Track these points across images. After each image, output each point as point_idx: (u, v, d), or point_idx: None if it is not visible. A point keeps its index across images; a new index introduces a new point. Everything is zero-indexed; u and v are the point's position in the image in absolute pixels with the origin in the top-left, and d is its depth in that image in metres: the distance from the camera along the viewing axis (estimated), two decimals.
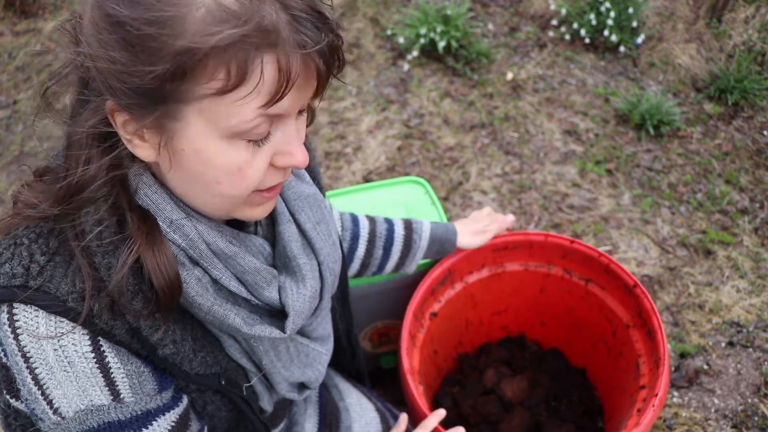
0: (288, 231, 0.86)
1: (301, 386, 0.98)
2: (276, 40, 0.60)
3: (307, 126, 0.79)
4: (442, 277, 1.38)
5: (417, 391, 1.18)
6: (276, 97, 0.63)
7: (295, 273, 0.85)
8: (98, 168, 0.68)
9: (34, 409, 0.72)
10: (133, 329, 0.72)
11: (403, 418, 1.13)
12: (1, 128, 2.91)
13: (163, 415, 0.78)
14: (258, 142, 0.68)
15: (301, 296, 0.84)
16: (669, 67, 2.94)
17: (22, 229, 0.71)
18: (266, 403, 0.95)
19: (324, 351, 0.98)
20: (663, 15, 3.14)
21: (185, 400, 0.82)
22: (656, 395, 1.12)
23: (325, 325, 0.99)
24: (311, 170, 1.01)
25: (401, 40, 3.04)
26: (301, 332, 0.93)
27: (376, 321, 1.54)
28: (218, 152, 0.66)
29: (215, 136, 0.65)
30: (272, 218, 0.88)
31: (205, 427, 0.86)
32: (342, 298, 1.14)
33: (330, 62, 0.65)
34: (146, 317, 0.71)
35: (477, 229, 1.37)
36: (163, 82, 0.60)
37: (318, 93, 0.69)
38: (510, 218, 1.42)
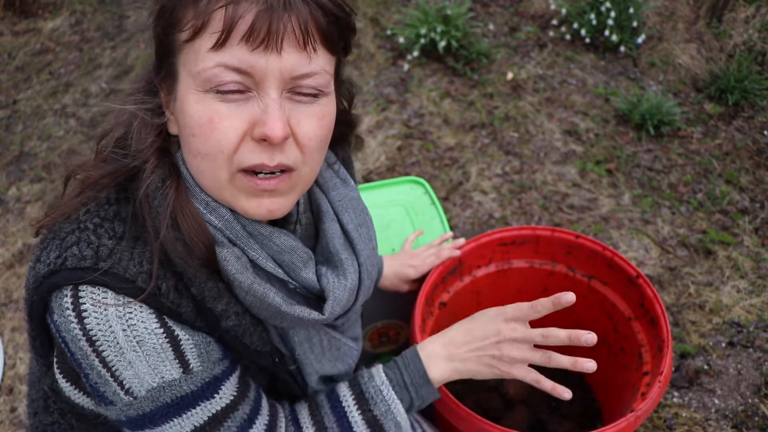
0: (332, 229, 0.88)
1: (329, 381, 0.99)
2: None
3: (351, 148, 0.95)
4: (453, 266, 1.39)
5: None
6: (221, 39, 0.66)
7: (337, 267, 0.86)
8: (152, 151, 0.76)
9: (104, 392, 0.74)
10: (198, 305, 0.74)
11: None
12: (1, 128, 2.90)
13: (228, 378, 0.80)
14: (232, 100, 0.70)
15: (341, 285, 0.85)
16: (669, 67, 2.94)
17: (83, 214, 0.73)
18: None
19: (355, 347, 1.00)
20: (663, 15, 3.14)
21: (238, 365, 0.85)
22: (661, 372, 1.13)
23: (354, 329, 1.01)
24: (349, 172, 1.02)
25: (401, 40, 3.04)
26: (334, 328, 0.95)
27: (376, 321, 1.54)
28: (193, 102, 0.71)
29: (191, 88, 0.71)
30: (316, 217, 0.90)
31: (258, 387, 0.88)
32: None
33: (299, 24, 0.68)
34: (205, 280, 0.74)
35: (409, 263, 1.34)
36: (161, 33, 0.72)
37: (303, 70, 0.70)
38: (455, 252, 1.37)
